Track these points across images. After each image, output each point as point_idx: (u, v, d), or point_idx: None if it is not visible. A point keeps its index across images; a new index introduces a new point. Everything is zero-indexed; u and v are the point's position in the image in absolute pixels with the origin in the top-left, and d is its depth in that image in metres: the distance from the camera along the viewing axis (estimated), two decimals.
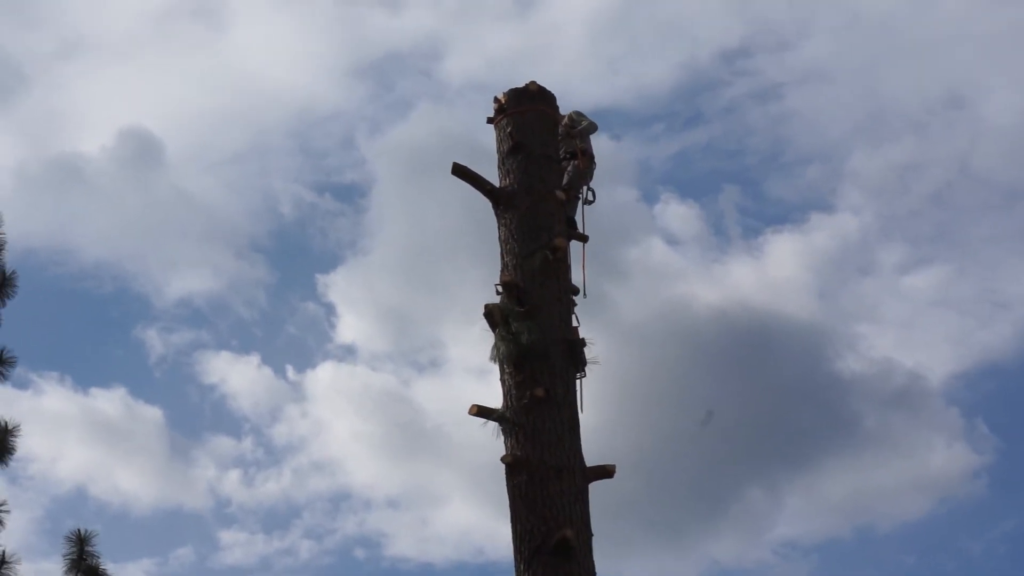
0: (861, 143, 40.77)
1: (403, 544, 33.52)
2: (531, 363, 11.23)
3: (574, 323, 11.78)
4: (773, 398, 31.77)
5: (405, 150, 36.14)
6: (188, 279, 38.71)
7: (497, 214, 12.11)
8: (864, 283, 38.45)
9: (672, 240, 37.49)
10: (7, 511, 11.81)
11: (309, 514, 34.46)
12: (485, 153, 12.51)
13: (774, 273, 37.54)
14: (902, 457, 33.51)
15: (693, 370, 31.09)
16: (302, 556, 33.72)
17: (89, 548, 11.60)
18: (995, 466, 33.28)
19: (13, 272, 12.06)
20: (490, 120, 12.51)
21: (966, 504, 33.23)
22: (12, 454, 11.94)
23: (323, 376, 38.00)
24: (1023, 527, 32.22)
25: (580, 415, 11.35)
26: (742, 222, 38.63)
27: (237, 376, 37.39)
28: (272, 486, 35.09)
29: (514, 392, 11.22)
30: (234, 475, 35.02)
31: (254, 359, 37.59)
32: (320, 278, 39.11)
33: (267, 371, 37.51)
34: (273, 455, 36.02)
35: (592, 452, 11.22)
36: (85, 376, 40.64)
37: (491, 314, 11.46)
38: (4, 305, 12.12)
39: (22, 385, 32.87)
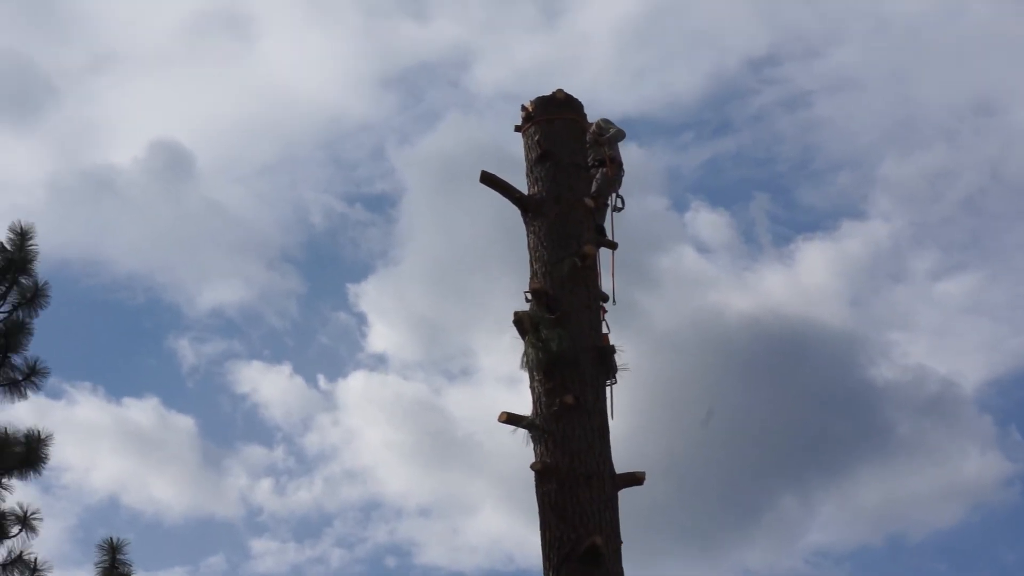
0: (892, 150, 40.71)
1: (434, 552, 33.61)
2: (561, 370, 11.22)
3: (604, 330, 11.77)
4: (805, 406, 31.69)
5: (435, 160, 36.29)
6: (220, 290, 39.01)
7: (526, 222, 12.11)
8: (896, 290, 38.36)
9: (703, 248, 37.50)
10: (39, 519, 11.91)
11: (340, 523, 34.60)
12: (514, 162, 12.52)
13: (806, 281, 37.49)
14: (935, 465, 33.39)
15: (725, 378, 31.04)
16: (333, 564, 33.86)
17: (121, 557, 11.69)
18: None
19: (46, 283, 12.18)
20: (517, 128, 12.51)
21: (999, 512, 33.08)
22: (45, 463, 12.04)
23: (354, 385, 38.20)
24: None
25: (610, 422, 11.34)
26: (773, 230, 38.61)
27: (269, 385, 37.60)
28: (304, 495, 35.25)
29: (544, 399, 11.21)
30: (266, 484, 35.20)
31: (286, 369, 37.82)
32: (351, 288, 39.38)
33: (299, 380, 37.72)
34: (305, 464, 36.19)
35: (623, 459, 11.22)
36: (118, 386, 40.95)
37: (521, 321, 11.45)
38: (37, 316, 12.22)
39: (55, 395, 33.19)
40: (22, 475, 11.99)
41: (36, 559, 11.87)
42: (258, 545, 34.24)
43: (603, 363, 11.48)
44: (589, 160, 12.53)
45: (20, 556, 11.86)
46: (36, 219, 12.45)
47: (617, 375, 11.56)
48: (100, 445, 36.10)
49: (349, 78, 44.70)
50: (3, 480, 11.90)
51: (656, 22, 42.13)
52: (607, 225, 12.59)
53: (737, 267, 37.56)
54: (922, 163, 39.28)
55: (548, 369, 11.24)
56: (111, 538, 11.73)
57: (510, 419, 11.29)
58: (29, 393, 12.15)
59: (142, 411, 36.94)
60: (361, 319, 41.19)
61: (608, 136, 12.65)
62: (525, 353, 11.42)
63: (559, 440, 10.99)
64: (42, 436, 11.99)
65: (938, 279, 38.75)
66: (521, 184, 12.24)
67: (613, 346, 11.62)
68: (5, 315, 12.10)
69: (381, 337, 38.69)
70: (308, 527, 34.85)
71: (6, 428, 11.91)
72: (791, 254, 38.69)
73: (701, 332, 32.20)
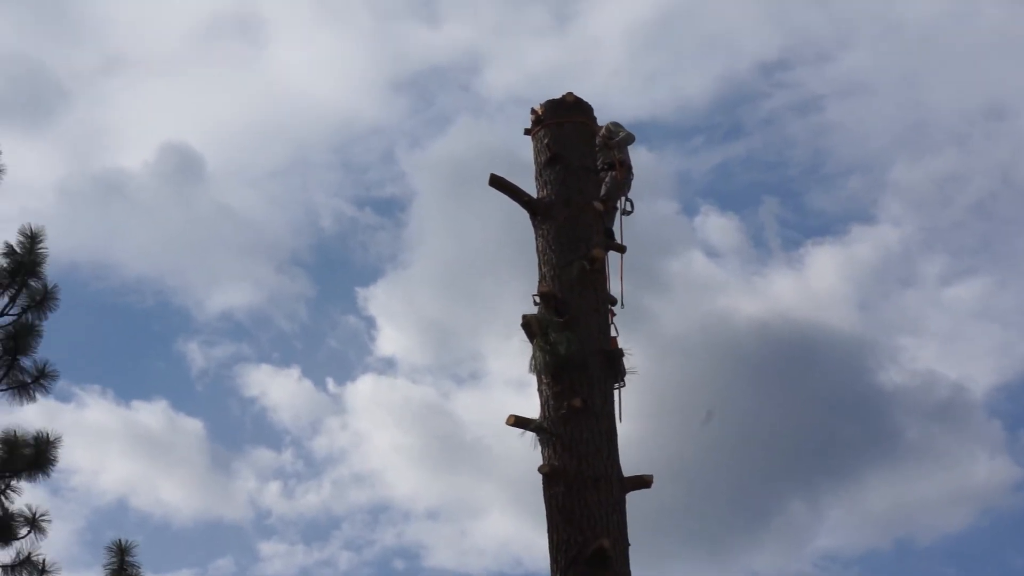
0: (902, 154, 40.66)
1: (442, 555, 33.59)
2: (569, 373, 11.22)
3: (613, 334, 11.77)
4: (814, 410, 31.63)
5: (445, 164, 36.28)
6: (229, 293, 39.01)
7: (535, 225, 12.10)
8: (906, 295, 38.27)
9: (712, 252, 37.42)
10: (48, 521, 11.96)
11: (349, 525, 34.59)
12: (525, 166, 12.49)
13: (815, 285, 37.42)
14: (944, 469, 33.32)
15: (734, 382, 31.00)
16: (341, 567, 33.86)
17: (129, 559, 11.72)
18: None
19: (55, 286, 12.23)
20: (527, 131, 12.51)
21: (1008, 517, 33.00)
22: (54, 465, 12.08)
23: (363, 389, 38.19)
24: None
25: (619, 425, 11.34)
26: (782, 234, 38.54)
27: (278, 389, 37.61)
28: (312, 498, 35.25)
29: (552, 402, 11.21)
30: (274, 487, 35.20)
31: (295, 372, 37.81)
32: (360, 291, 39.33)
33: (307, 384, 37.71)
34: (313, 467, 36.19)
35: (632, 462, 11.21)
36: (127, 389, 41.06)
37: (529, 325, 11.45)
38: (46, 319, 12.27)
39: (64, 398, 33.23)
40: (31, 477, 12.03)
41: (44, 560, 11.92)
42: (267, 548, 34.27)
43: (611, 366, 11.48)
44: (598, 163, 12.52)
45: (29, 557, 11.92)
46: (46, 222, 12.50)
47: (625, 378, 11.55)
48: (109, 448, 36.16)
49: (360, 82, 44.71)
50: (12, 482, 11.94)
51: (667, 26, 42.15)
52: (616, 229, 12.57)
53: (746, 271, 37.53)
54: (933, 168, 39.24)
55: (556, 372, 11.24)
56: (120, 540, 11.77)
57: (518, 422, 11.28)
58: (38, 396, 12.22)
59: (151, 414, 36.98)
60: (370, 323, 41.29)
61: (618, 139, 12.64)
62: (533, 356, 11.42)
63: (567, 443, 10.99)
64: (51, 438, 12.04)
65: (948, 284, 38.72)
66: (531, 187, 12.25)
67: (621, 350, 11.62)
68: (14, 318, 12.15)
69: (390, 340, 38.68)
70: (316, 530, 34.88)
71: (15, 430, 11.97)
72: (801, 258, 38.68)
73: (710, 336, 32.19)
